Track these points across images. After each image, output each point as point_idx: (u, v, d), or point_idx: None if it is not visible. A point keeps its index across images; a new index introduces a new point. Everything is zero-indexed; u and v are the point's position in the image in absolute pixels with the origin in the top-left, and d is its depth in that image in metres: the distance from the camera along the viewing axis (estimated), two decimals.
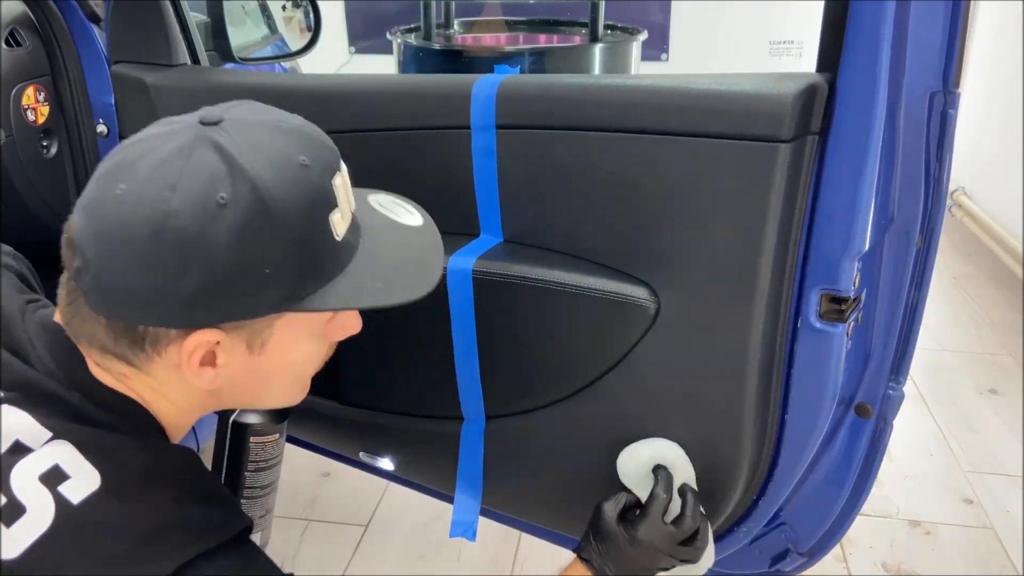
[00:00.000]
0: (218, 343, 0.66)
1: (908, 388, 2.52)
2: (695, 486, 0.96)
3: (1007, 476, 2.06)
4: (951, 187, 3.91)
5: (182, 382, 0.69)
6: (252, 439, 0.99)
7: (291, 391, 0.79)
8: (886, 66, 0.79)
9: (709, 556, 0.96)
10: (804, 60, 4.02)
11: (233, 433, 1.00)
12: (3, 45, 1.30)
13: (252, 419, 0.99)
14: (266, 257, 0.63)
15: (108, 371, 0.69)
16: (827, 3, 0.82)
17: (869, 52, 0.79)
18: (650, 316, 0.94)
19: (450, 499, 1.17)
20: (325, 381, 1.17)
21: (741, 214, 0.86)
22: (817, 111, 0.83)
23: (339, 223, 0.68)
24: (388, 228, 0.77)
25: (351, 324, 0.78)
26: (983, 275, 3.22)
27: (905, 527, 1.89)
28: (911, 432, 2.23)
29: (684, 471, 0.96)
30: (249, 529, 0.71)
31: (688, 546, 0.91)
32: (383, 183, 1.08)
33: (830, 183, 0.85)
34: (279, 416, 1.02)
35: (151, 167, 0.61)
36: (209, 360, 0.68)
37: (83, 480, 0.63)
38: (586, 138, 0.92)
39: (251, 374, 0.71)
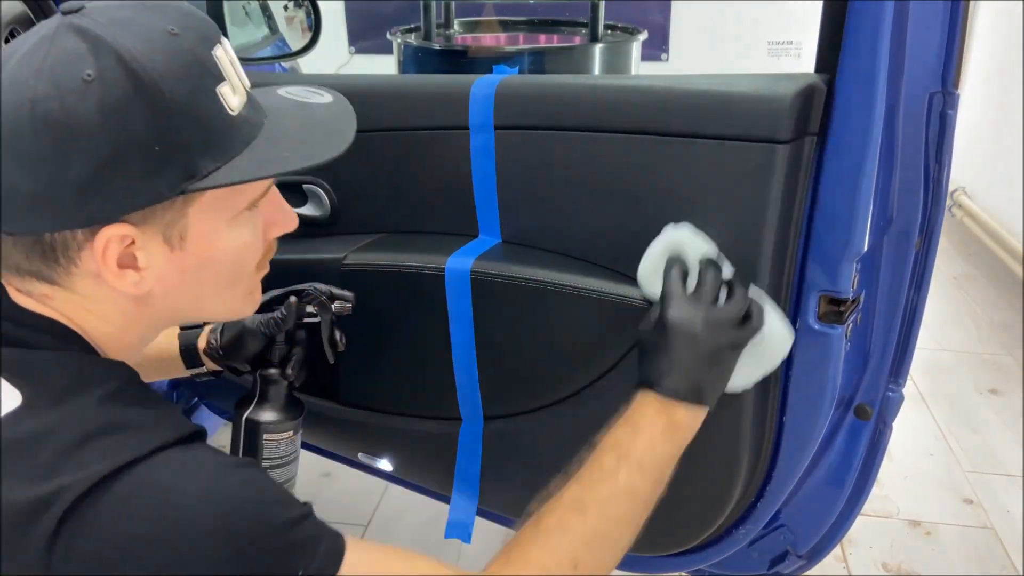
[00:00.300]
0: (133, 242, 0.64)
1: (908, 388, 2.52)
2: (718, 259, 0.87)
3: (1007, 476, 2.06)
4: (951, 187, 3.91)
5: (109, 293, 0.66)
6: (265, 436, 0.99)
7: (233, 295, 0.74)
8: (885, 67, 0.79)
9: (780, 337, 0.86)
10: (803, 61, 4.02)
11: (247, 430, 0.99)
12: (3, 45, 1.30)
13: (266, 416, 0.99)
14: (149, 132, 0.60)
15: (29, 294, 0.67)
16: (826, 4, 0.82)
17: (868, 53, 0.79)
18: None
19: (448, 500, 1.17)
20: (324, 381, 1.17)
21: (739, 215, 0.86)
22: (815, 112, 0.83)
23: (230, 96, 0.65)
24: (295, 107, 0.74)
25: (282, 218, 0.75)
26: (983, 275, 3.22)
27: (905, 527, 1.89)
28: (911, 432, 2.23)
29: (699, 248, 0.86)
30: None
31: (740, 327, 0.82)
32: (382, 183, 1.09)
33: (829, 184, 0.85)
34: (293, 413, 1.01)
35: (15, 63, 0.60)
36: (130, 263, 0.65)
37: (4, 402, 0.61)
38: (584, 139, 0.92)
39: (179, 274, 0.67)
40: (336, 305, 1.00)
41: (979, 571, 1.76)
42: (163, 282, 0.67)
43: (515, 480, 1.13)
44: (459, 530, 1.14)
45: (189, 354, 1.03)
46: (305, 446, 1.33)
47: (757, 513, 1.03)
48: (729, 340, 0.82)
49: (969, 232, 3.50)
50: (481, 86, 0.97)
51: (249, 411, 1.00)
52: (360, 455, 1.25)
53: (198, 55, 0.64)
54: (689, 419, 0.83)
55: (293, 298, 0.99)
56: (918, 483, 2.04)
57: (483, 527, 1.18)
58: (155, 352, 1.01)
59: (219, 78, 0.65)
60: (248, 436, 0.99)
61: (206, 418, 1.61)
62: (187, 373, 1.04)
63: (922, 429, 2.25)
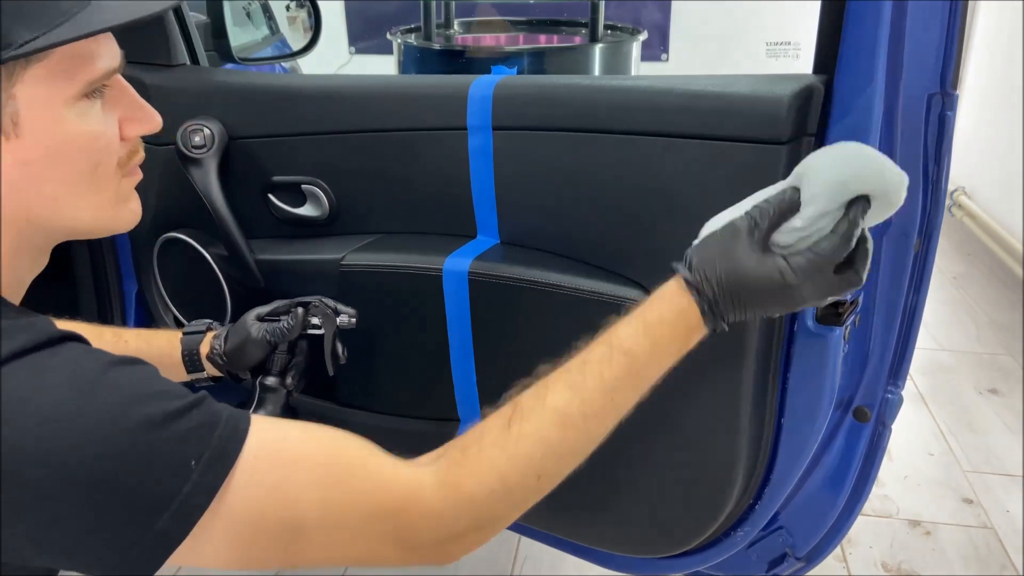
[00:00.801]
0: None
1: (908, 388, 2.52)
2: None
3: (1007, 476, 2.06)
4: (951, 187, 3.90)
5: None
6: None
7: (98, 200, 0.67)
8: (883, 68, 0.79)
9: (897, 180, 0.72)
10: (801, 61, 4.02)
11: None
12: None
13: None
14: None
15: None
16: (824, 4, 0.82)
17: (865, 53, 0.79)
18: None
19: None
20: (321, 382, 1.17)
21: None
22: (813, 113, 0.83)
23: None
24: None
25: (140, 115, 0.70)
26: (983, 275, 3.22)
27: (905, 527, 1.89)
28: (911, 432, 2.23)
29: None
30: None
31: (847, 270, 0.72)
32: (381, 184, 1.09)
33: None
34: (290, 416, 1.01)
35: None
36: None
37: None
38: (582, 139, 0.92)
39: (22, 167, 0.61)
40: (341, 319, 1.00)
41: (979, 571, 1.76)
42: (9, 182, 0.60)
43: None
44: None
45: (191, 358, 1.02)
46: None
47: (755, 515, 1.03)
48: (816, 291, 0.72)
49: (969, 232, 3.50)
50: (479, 87, 0.97)
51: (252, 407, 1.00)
52: None
53: None
54: (699, 324, 0.74)
55: (299, 309, 0.99)
56: (918, 483, 2.04)
57: None
58: (156, 355, 1.01)
59: None
60: None
61: None
62: (187, 378, 1.03)
63: (922, 429, 2.25)
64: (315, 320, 0.99)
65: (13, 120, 0.60)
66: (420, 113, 1.02)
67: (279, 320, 0.99)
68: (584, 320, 0.96)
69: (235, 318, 1.19)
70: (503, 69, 1.02)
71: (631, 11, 4.00)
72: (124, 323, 1.37)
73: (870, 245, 0.75)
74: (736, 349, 0.90)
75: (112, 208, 0.69)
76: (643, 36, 2.47)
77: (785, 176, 0.83)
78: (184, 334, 1.03)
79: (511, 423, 0.73)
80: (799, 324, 0.91)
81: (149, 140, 1.17)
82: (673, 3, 4.10)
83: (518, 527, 1.22)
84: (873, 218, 0.74)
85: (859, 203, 0.71)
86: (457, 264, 1.00)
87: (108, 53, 0.66)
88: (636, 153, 0.89)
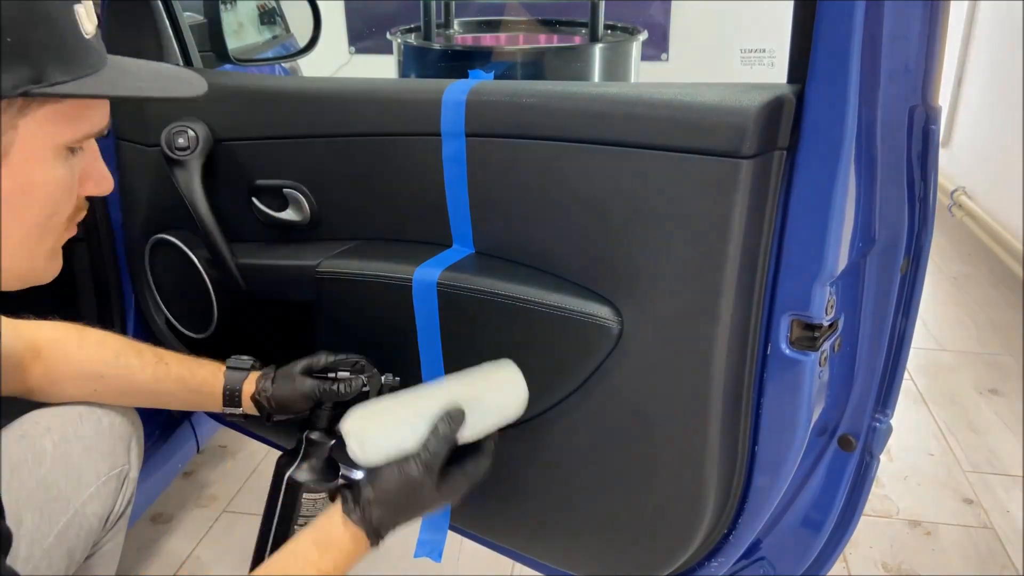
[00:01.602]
0: None
1: (908, 388, 2.52)
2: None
3: (1007, 476, 2.06)
4: (951, 187, 3.90)
5: None
6: (305, 495, 1.02)
7: (38, 249, 0.68)
8: (856, 78, 0.75)
9: (516, 393, 0.93)
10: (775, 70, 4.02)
11: (288, 488, 1.02)
12: None
13: (307, 476, 1.02)
14: (5, 19, 0.56)
15: None
16: (795, 11, 0.79)
17: (838, 63, 0.75)
18: (614, 337, 0.91)
19: None
20: None
21: (703, 233, 0.82)
22: (784, 125, 0.79)
23: (85, 20, 0.63)
24: (140, 62, 0.73)
25: (97, 175, 0.71)
26: (983, 275, 3.22)
27: (905, 527, 1.89)
28: (911, 432, 2.23)
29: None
30: None
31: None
32: (360, 189, 1.07)
33: (799, 201, 0.80)
34: (331, 475, 1.04)
35: None
36: None
37: None
38: (552, 148, 0.89)
39: None
40: (387, 378, 1.03)
41: (979, 571, 1.76)
42: None
43: (486, 498, 1.12)
44: (429, 549, 1.13)
45: (231, 394, 1.04)
46: (287, 451, 1.33)
47: (730, 545, 1.00)
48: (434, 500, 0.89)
49: (969, 232, 3.49)
50: (453, 92, 0.95)
51: (292, 470, 1.03)
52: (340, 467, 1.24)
53: None
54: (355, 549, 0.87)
55: (359, 377, 1.01)
56: (918, 483, 2.04)
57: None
58: (197, 383, 1.03)
59: None
60: (288, 494, 1.03)
61: (203, 422, 1.61)
62: (221, 410, 1.06)
63: (922, 429, 2.25)
64: (363, 379, 1.03)
65: (5, 150, 0.61)
66: (396, 118, 1.00)
67: (333, 380, 1.01)
68: (551, 336, 0.94)
69: (220, 320, 1.20)
70: (480, 73, 1.00)
71: (631, 11, 4.00)
72: (124, 323, 1.37)
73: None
74: (704, 371, 0.87)
75: (45, 260, 0.70)
76: (643, 36, 2.47)
77: (750, 192, 0.79)
78: (228, 368, 1.05)
79: None
80: (772, 349, 0.87)
81: (139, 141, 1.18)
82: (673, 3, 4.10)
83: (490, 544, 1.20)
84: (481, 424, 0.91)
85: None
86: (427, 274, 0.99)
87: (104, 113, 0.68)
88: (604, 163, 0.86)
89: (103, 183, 0.72)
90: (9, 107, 0.60)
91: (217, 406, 1.04)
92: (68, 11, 0.62)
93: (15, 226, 0.65)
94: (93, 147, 0.71)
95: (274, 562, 0.84)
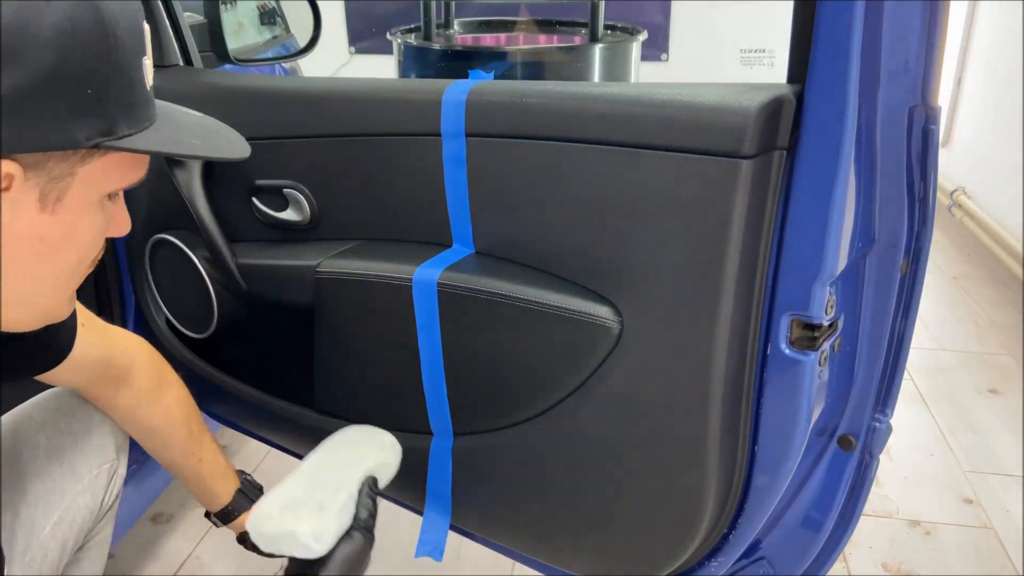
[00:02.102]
0: (8, 187, 0.58)
1: (908, 388, 2.52)
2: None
3: (1007, 476, 2.06)
4: (951, 187, 3.90)
5: None
6: None
7: (62, 291, 0.70)
8: (855, 78, 0.75)
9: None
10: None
11: None
12: None
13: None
14: (88, 71, 0.58)
15: None
16: (795, 11, 0.79)
17: (837, 63, 0.75)
18: (614, 337, 0.91)
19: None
20: (300, 387, 1.17)
21: (703, 233, 0.82)
22: (784, 125, 0.79)
23: (149, 73, 0.64)
24: (183, 111, 0.75)
25: (122, 219, 0.72)
26: (983, 275, 3.22)
27: (905, 527, 1.89)
28: (911, 432, 2.23)
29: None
30: None
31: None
32: (361, 189, 1.07)
33: (799, 202, 0.81)
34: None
35: None
36: None
37: None
38: (552, 148, 0.89)
39: (37, 242, 0.62)
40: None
41: (979, 571, 1.76)
42: (15, 246, 0.61)
43: (486, 498, 1.11)
44: (431, 548, 1.13)
45: (226, 517, 1.11)
46: (287, 451, 1.33)
47: (730, 545, 0.99)
48: None
49: (969, 232, 3.50)
50: (453, 92, 0.95)
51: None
52: None
53: (139, 19, 0.63)
54: None
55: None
56: (918, 483, 2.04)
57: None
58: (207, 489, 1.09)
59: (144, 51, 0.64)
60: None
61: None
62: (203, 510, 1.12)
63: (922, 429, 2.25)
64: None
65: (59, 196, 0.62)
66: (396, 118, 1.00)
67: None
68: (552, 336, 0.94)
69: (220, 320, 1.20)
70: (480, 73, 1.00)
71: (631, 11, 4.00)
72: (124, 324, 1.38)
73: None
74: (704, 371, 0.87)
75: (68, 301, 0.72)
76: (643, 36, 2.47)
77: (750, 192, 0.79)
78: (240, 491, 1.11)
79: None
80: (772, 349, 0.87)
81: None
82: (673, 3, 4.10)
83: (491, 544, 1.20)
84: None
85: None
86: (427, 275, 0.99)
87: (148, 162, 0.70)
88: (604, 163, 0.86)
89: (123, 226, 0.73)
90: (73, 155, 0.61)
91: (203, 503, 1.11)
92: (139, 65, 0.63)
93: (55, 270, 0.66)
94: (121, 194, 0.72)
95: None
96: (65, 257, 0.66)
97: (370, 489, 0.99)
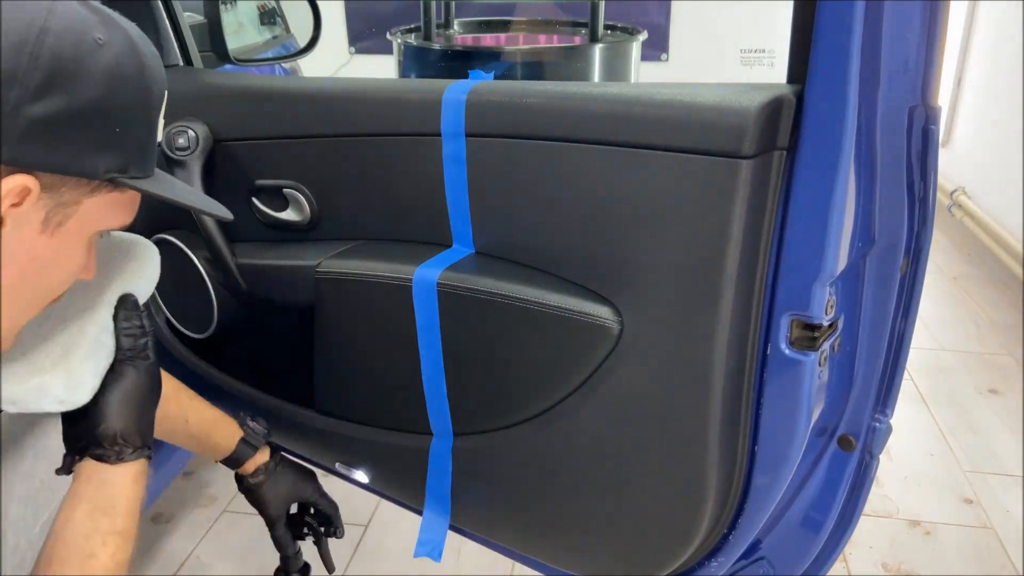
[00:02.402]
0: (21, 202, 0.61)
1: (908, 388, 2.52)
2: None
3: (1007, 476, 2.06)
4: (951, 187, 3.90)
5: None
6: None
7: (30, 309, 0.71)
8: (855, 78, 0.75)
9: None
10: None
11: None
12: None
13: None
14: (123, 112, 0.64)
15: None
16: (795, 11, 0.79)
17: (837, 63, 0.74)
18: (614, 337, 0.91)
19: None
20: (302, 389, 1.17)
21: (703, 234, 0.82)
22: (784, 125, 0.79)
23: (160, 128, 0.70)
24: (171, 177, 0.79)
25: (91, 266, 0.74)
26: (983, 275, 3.22)
27: (905, 527, 1.89)
28: (911, 432, 2.23)
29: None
30: None
31: None
32: (361, 189, 1.07)
33: (799, 202, 0.80)
34: None
35: None
36: None
37: None
38: (551, 148, 0.89)
39: (28, 261, 0.64)
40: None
41: (979, 571, 1.76)
42: (10, 258, 0.63)
43: (486, 498, 1.11)
44: (430, 548, 1.13)
45: (234, 463, 1.10)
46: (287, 451, 1.33)
47: (730, 545, 0.99)
48: None
49: (969, 232, 3.50)
50: (453, 92, 0.95)
51: None
52: (337, 465, 1.23)
53: (165, 79, 0.70)
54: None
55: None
56: (918, 483, 2.04)
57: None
58: (209, 444, 1.08)
59: (162, 108, 0.70)
60: None
61: None
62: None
63: (922, 429, 2.25)
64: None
65: (61, 222, 0.65)
66: (396, 118, 1.00)
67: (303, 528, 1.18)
68: (551, 336, 0.94)
69: (220, 320, 1.20)
70: (480, 73, 1.00)
71: (631, 11, 4.00)
72: None
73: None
74: (704, 371, 0.87)
75: (13, 334, 0.73)
76: (643, 36, 2.47)
77: (750, 192, 0.79)
78: (242, 441, 1.09)
79: None
80: (772, 349, 0.87)
81: None
82: (673, 3, 4.10)
83: (491, 545, 1.20)
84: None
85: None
86: (427, 274, 0.99)
87: (135, 211, 0.74)
88: (604, 164, 0.86)
89: (91, 272, 0.76)
90: (86, 185, 0.65)
91: (215, 455, 1.10)
92: (159, 118, 0.70)
93: (30, 292, 0.68)
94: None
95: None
96: (47, 281, 0.69)
97: (128, 311, 0.83)
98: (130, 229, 0.76)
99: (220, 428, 1.08)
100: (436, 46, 2.37)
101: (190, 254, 1.16)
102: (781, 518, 1.04)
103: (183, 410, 1.06)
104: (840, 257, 0.81)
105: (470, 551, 1.75)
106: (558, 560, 1.13)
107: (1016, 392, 2.42)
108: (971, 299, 3.03)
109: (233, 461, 1.09)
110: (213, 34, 1.42)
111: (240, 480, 1.11)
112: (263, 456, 1.09)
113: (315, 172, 1.09)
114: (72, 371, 0.76)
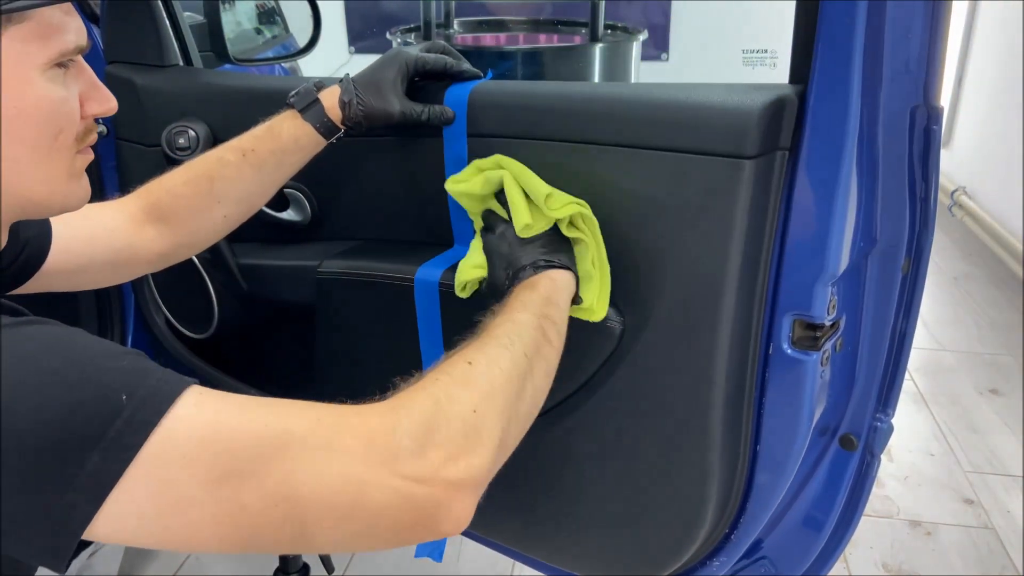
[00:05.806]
0: None
1: (909, 388, 2.52)
2: None
3: (1007, 476, 2.06)
4: (951, 187, 3.90)
5: None
6: None
7: (54, 170, 0.69)
8: (858, 78, 0.75)
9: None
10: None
11: None
12: None
13: None
14: None
15: None
16: (798, 11, 0.78)
17: (840, 64, 0.75)
18: (615, 337, 0.91)
19: None
20: (302, 385, 1.17)
21: (705, 233, 0.82)
22: (787, 126, 0.79)
23: None
24: None
25: (97, 95, 0.71)
26: (983, 275, 3.22)
27: (905, 527, 1.89)
28: (911, 432, 2.23)
29: None
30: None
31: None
32: (362, 190, 1.07)
33: (801, 202, 0.81)
34: None
35: None
36: None
37: None
38: (552, 148, 0.89)
39: None
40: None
41: (979, 571, 1.76)
42: None
43: (486, 498, 1.11)
44: (429, 549, 1.12)
45: (327, 130, 0.96)
46: None
47: (732, 545, 0.99)
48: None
49: (969, 232, 3.50)
50: (454, 92, 0.95)
51: None
52: None
53: None
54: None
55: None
56: (918, 483, 2.04)
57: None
58: (294, 147, 0.96)
59: None
60: None
61: None
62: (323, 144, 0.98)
63: (922, 429, 2.25)
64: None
65: None
66: None
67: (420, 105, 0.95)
68: None
69: (221, 320, 1.20)
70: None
71: (631, 11, 4.00)
72: (124, 324, 1.37)
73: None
74: (706, 371, 0.87)
75: (65, 183, 0.71)
76: (643, 36, 2.47)
77: (752, 192, 0.79)
78: (302, 114, 0.96)
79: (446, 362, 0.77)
80: (774, 348, 0.87)
81: (139, 141, 1.18)
82: (673, 3, 4.10)
83: (491, 544, 1.20)
84: None
85: None
86: (428, 274, 0.99)
87: (78, 30, 0.69)
88: (605, 164, 0.86)
89: (106, 103, 0.73)
90: None
91: (320, 146, 0.98)
92: None
93: (22, 149, 0.66)
94: (84, 67, 0.72)
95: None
96: (35, 131, 0.66)
97: None
98: None
99: (280, 127, 0.96)
100: None
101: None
102: (782, 517, 1.04)
103: (242, 151, 0.97)
104: (842, 257, 0.81)
105: (470, 551, 1.75)
106: (559, 560, 1.13)
107: (1016, 392, 2.42)
108: (972, 299, 3.03)
109: (328, 131, 0.96)
110: (213, 34, 1.42)
111: (343, 128, 0.97)
112: (328, 93, 0.96)
113: (316, 172, 1.09)
114: None
